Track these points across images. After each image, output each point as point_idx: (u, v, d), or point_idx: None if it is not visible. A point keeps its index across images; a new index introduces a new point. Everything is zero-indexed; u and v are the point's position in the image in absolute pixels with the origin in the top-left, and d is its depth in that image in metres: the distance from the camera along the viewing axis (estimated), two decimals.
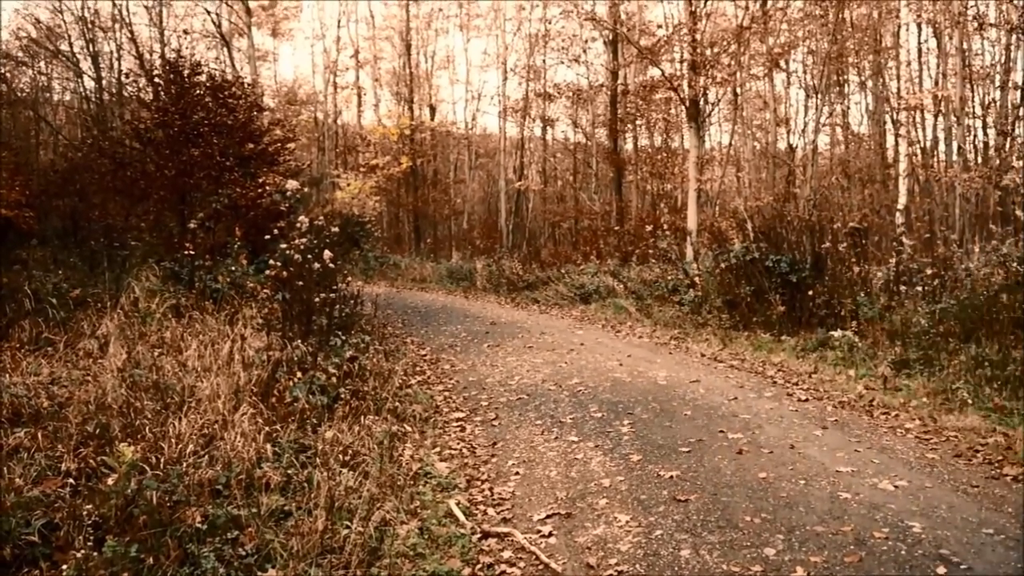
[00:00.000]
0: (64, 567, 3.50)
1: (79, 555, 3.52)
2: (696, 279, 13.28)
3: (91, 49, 26.01)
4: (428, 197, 33.63)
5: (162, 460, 4.61)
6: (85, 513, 3.89)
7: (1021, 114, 20.64)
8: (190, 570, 3.66)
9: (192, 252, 10.02)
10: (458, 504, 4.94)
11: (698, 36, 17.42)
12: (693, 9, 17.40)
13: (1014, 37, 20.61)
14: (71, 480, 4.29)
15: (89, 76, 26.52)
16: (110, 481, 4.12)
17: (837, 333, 9.41)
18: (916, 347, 8.50)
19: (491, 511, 4.99)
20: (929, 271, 9.97)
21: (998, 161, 20.91)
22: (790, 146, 23.59)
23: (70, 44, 26.77)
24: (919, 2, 21.90)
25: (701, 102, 18.59)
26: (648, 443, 6.22)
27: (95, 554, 3.58)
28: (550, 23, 28.96)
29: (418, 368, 9.36)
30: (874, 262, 11.75)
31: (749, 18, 18.20)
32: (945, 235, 15.11)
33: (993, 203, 19.34)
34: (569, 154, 33.62)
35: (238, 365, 6.44)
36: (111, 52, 27.16)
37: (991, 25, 20.28)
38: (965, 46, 22.90)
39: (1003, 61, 22.79)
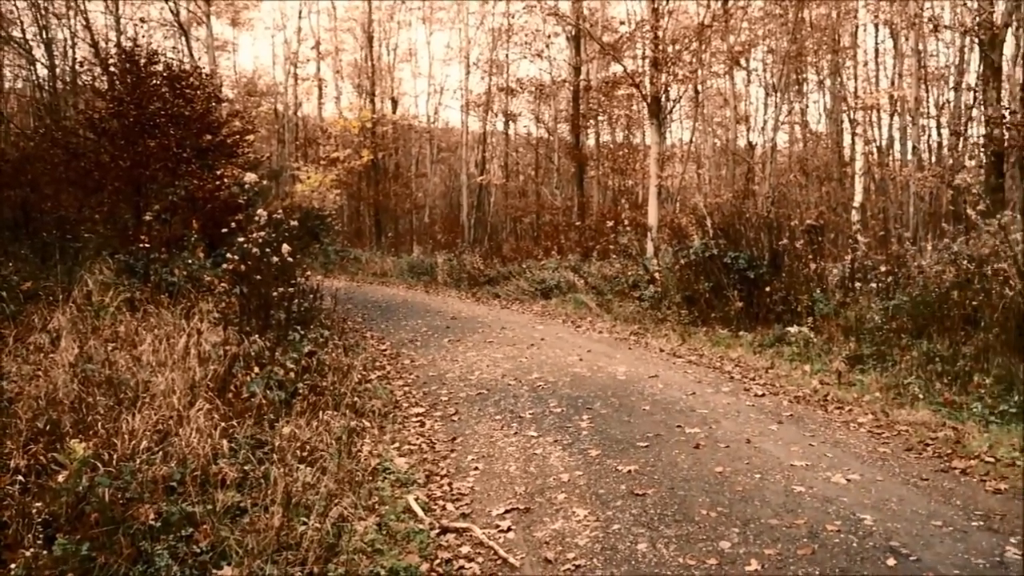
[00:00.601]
0: (13, 566, 3.43)
1: (28, 553, 3.46)
2: (656, 275, 13.37)
3: (44, 36, 25.34)
4: (389, 191, 33.41)
5: (115, 456, 4.52)
6: (35, 511, 3.81)
7: (974, 115, 21.08)
8: (143, 568, 3.61)
9: (148, 245, 9.85)
10: (417, 500, 4.93)
11: (660, 33, 17.50)
12: (656, 6, 17.49)
13: (967, 39, 21.03)
14: (20, 477, 4.20)
15: (42, 64, 25.85)
16: (61, 478, 4.04)
17: (793, 329, 9.54)
18: (870, 343, 8.66)
19: (450, 506, 4.99)
20: (883, 268, 10.13)
21: (951, 160, 21.36)
22: (750, 143, 23.88)
23: (23, 30, 26.05)
24: (877, 3, 22.25)
25: (662, 99, 18.70)
26: (607, 438, 6.26)
27: (45, 552, 3.51)
28: (513, 17, 28.91)
29: (378, 363, 9.31)
30: (830, 259, 11.94)
31: (710, 16, 18.33)
32: (899, 233, 15.39)
33: (946, 202, 19.72)
34: (531, 149, 33.65)
35: (194, 360, 6.34)
36: (65, 39, 26.54)
37: (946, 27, 20.65)
38: (921, 47, 23.35)
39: (957, 63, 23.31)
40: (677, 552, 4.21)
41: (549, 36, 27.59)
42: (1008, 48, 16.68)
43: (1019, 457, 5.51)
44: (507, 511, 4.87)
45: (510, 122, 33.24)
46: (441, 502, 5.06)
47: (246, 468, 4.77)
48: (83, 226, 12.40)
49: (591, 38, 23.98)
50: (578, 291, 14.88)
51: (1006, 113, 14.89)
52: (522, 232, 30.94)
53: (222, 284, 8.44)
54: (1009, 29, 16.07)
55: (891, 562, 4.02)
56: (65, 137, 13.22)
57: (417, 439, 6.40)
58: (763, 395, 7.60)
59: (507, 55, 30.49)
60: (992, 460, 5.52)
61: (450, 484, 5.40)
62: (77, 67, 22.93)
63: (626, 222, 17.95)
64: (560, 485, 5.27)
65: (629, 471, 5.46)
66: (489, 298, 16.20)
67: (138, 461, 4.52)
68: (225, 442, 5.02)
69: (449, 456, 6.03)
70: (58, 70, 25.58)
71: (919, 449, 5.89)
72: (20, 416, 4.95)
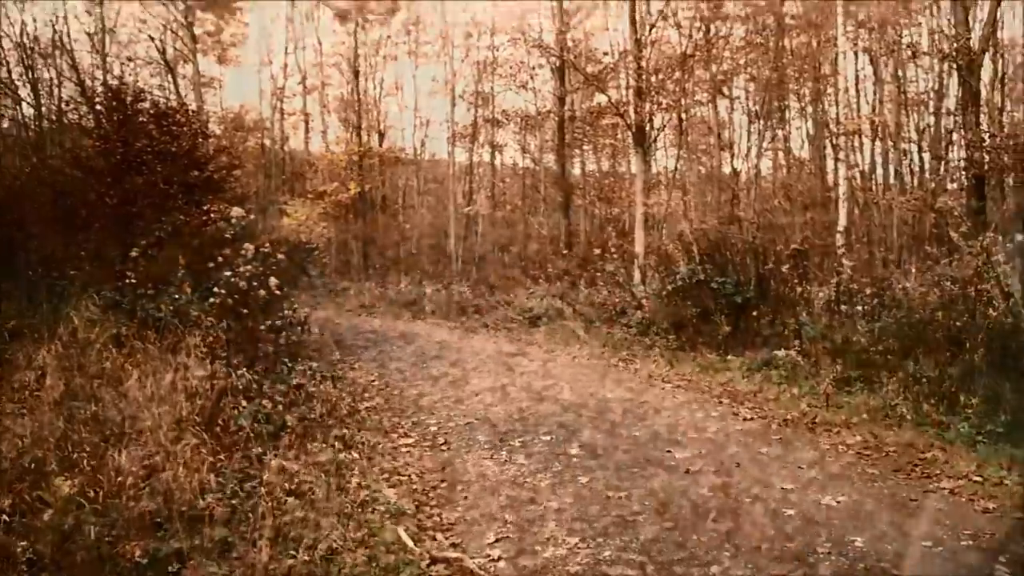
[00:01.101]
0: None
1: None
2: (644, 301, 13.40)
3: (30, 76, 25.41)
4: (377, 223, 33.45)
5: (101, 494, 4.48)
6: (19, 550, 3.77)
7: (954, 139, 21.33)
8: None
9: (134, 280, 9.82)
10: (406, 530, 4.89)
11: (643, 63, 17.73)
12: (638, 37, 17.73)
13: (946, 65, 21.33)
14: (5, 516, 4.15)
15: (28, 103, 25.91)
16: (46, 517, 4.01)
17: (781, 352, 9.57)
18: (857, 365, 8.68)
19: (440, 536, 4.95)
20: (868, 291, 10.20)
21: (933, 184, 21.56)
22: (734, 170, 24.07)
23: (8, 71, 26.10)
24: (856, 31, 22.59)
25: (647, 127, 18.90)
26: (596, 465, 6.24)
27: None
28: (498, 50, 29.22)
29: (366, 394, 9.28)
30: (816, 283, 11.99)
31: (693, 46, 18.63)
32: (883, 256, 15.51)
33: (929, 225, 19.91)
34: (518, 179, 33.76)
35: (181, 395, 6.31)
36: (51, 79, 26.59)
37: (924, 53, 20.99)
38: (900, 74, 23.69)
39: (936, 88, 23.56)
40: None
41: (534, 68, 27.85)
42: (986, 73, 16.98)
43: (1007, 476, 5.54)
44: (498, 540, 4.84)
45: (496, 153, 33.43)
46: (431, 532, 5.03)
47: (234, 503, 4.73)
48: (69, 264, 12.35)
49: (575, 69, 24.23)
50: (566, 319, 14.88)
51: (986, 136, 15.11)
52: (510, 261, 30.94)
53: (209, 318, 8.40)
54: (987, 54, 16.35)
55: None
56: (51, 176, 13.21)
57: (406, 470, 6.37)
58: (752, 419, 7.61)
59: (492, 87, 30.75)
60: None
61: (440, 514, 5.36)
62: (63, 106, 22.96)
63: (613, 250, 17.98)
64: (550, 513, 5.25)
65: (619, 498, 5.45)
66: (477, 328, 16.18)
67: (124, 498, 4.48)
68: (213, 477, 4.98)
69: (439, 486, 5.99)
70: (44, 109, 25.61)
71: (907, 470, 5.90)
72: (4, 455, 4.90)
